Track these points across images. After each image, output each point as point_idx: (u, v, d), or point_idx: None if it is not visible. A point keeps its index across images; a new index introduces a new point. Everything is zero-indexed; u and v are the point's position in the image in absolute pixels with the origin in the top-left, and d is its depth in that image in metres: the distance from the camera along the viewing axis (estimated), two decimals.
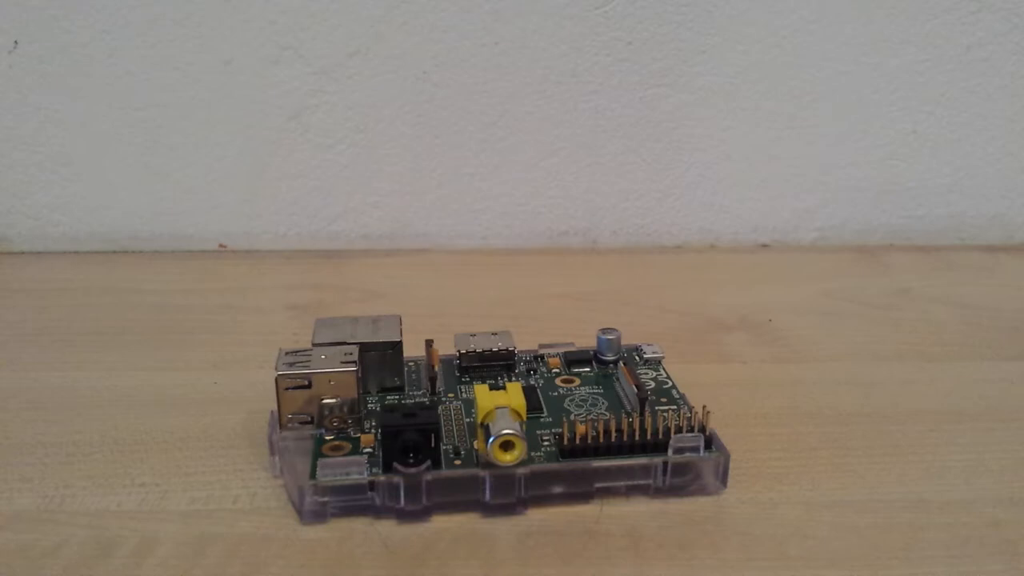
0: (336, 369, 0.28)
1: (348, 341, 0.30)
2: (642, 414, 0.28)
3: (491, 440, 0.26)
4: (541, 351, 0.34)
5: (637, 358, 0.33)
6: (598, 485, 0.27)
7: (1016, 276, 0.49)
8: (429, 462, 0.26)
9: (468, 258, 0.50)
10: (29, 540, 0.25)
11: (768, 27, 0.48)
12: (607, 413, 0.30)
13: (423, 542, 0.26)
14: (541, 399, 0.30)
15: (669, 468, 0.27)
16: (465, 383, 0.32)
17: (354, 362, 0.28)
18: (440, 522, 0.26)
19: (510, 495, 0.27)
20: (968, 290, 0.46)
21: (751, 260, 0.51)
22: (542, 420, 0.29)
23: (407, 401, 0.31)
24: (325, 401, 0.28)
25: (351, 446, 0.28)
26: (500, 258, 0.50)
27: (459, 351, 0.32)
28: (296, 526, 0.26)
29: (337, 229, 0.51)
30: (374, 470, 0.26)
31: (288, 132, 0.49)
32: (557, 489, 0.27)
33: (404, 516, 0.26)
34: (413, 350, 0.32)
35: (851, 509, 0.27)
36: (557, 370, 0.33)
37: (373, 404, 0.30)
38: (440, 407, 0.30)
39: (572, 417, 0.29)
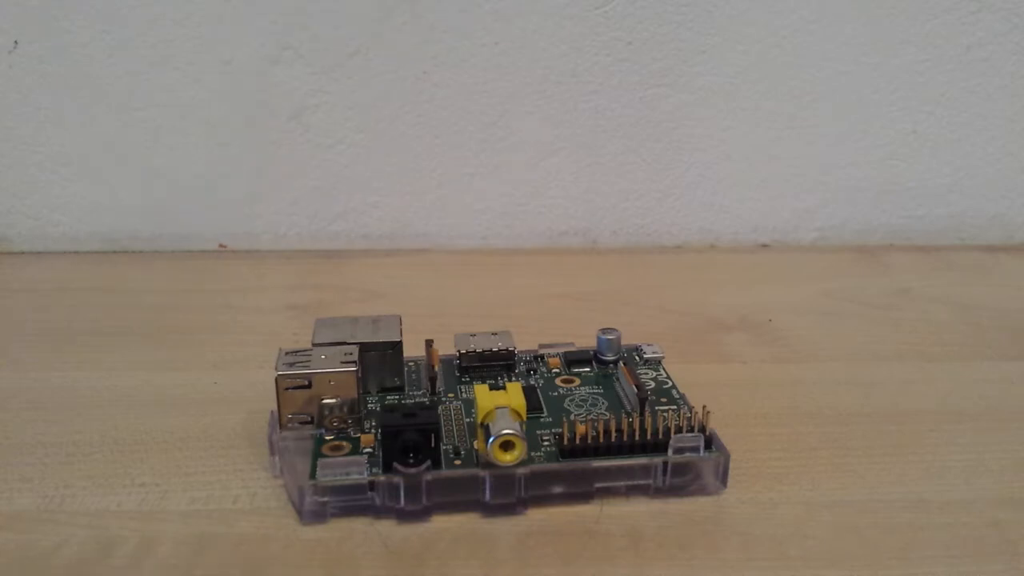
0: (336, 369, 0.28)
1: (348, 341, 0.30)
2: (642, 414, 0.28)
3: (491, 440, 0.26)
4: (541, 351, 0.34)
5: (637, 358, 0.33)
6: (598, 485, 0.27)
7: (1016, 276, 0.49)
8: (429, 462, 0.26)
9: (468, 258, 0.50)
10: (29, 540, 0.25)
11: (768, 27, 0.48)
12: (607, 413, 0.30)
13: (423, 542, 0.26)
14: (541, 399, 0.30)
15: (669, 468, 0.27)
16: (465, 383, 0.32)
17: (354, 362, 0.28)
18: (440, 522, 0.26)
19: (510, 495, 0.27)
20: (968, 290, 0.46)
21: (751, 260, 0.51)
22: (542, 420, 0.29)
23: (407, 401, 0.31)
24: (325, 401, 0.28)
25: (351, 446, 0.28)
26: (500, 258, 0.50)
27: (459, 351, 0.32)
28: (296, 526, 0.26)
29: (337, 229, 0.51)
30: (374, 470, 0.26)
31: (288, 132, 0.49)
32: (557, 489, 0.27)
33: (404, 516, 0.26)
34: (413, 350, 0.32)
35: (851, 509, 0.27)
36: (557, 370, 0.33)
37: (373, 404, 0.30)
38: (440, 407, 0.30)
39: (572, 417, 0.29)
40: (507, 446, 0.26)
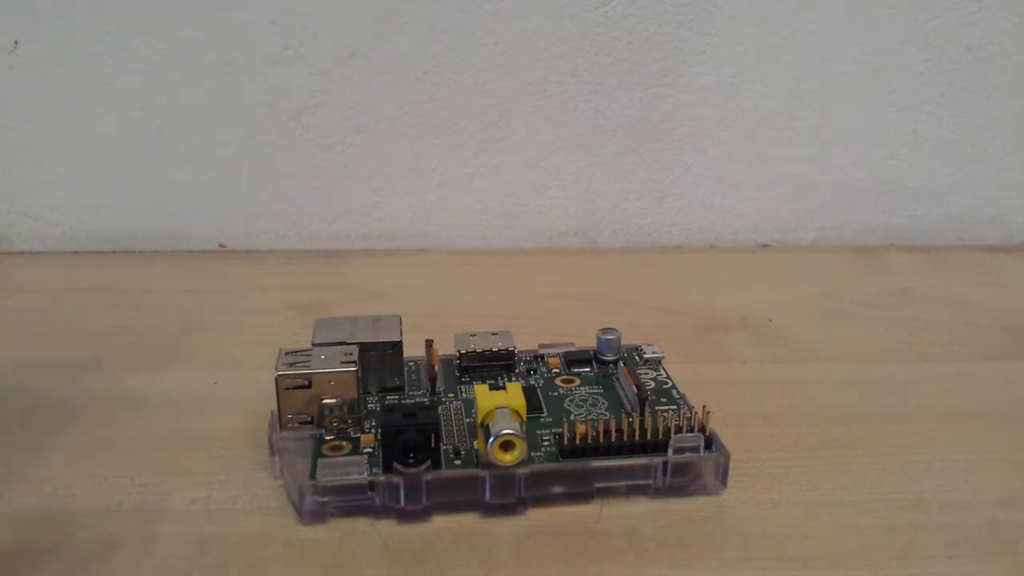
0: (336, 369, 0.28)
1: (348, 341, 0.30)
2: (642, 414, 0.28)
3: (491, 440, 0.26)
4: (541, 351, 0.34)
5: (637, 358, 0.33)
6: (598, 485, 0.27)
7: (1016, 276, 0.49)
8: (429, 462, 0.26)
9: (468, 258, 0.50)
10: (29, 540, 0.25)
11: (768, 27, 0.48)
12: (607, 413, 0.30)
13: (423, 542, 0.26)
14: (541, 399, 0.30)
15: (669, 468, 0.27)
16: (465, 383, 0.32)
17: (354, 362, 0.28)
18: (440, 522, 0.26)
19: (510, 495, 0.27)
20: (968, 290, 0.46)
21: (751, 260, 0.51)
22: (542, 420, 0.29)
23: (407, 401, 0.31)
24: (325, 401, 0.28)
25: (351, 446, 0.28)
26: (500, 258, 0.50)
27: (459, 351, 0.32)
28: (296, 526, 0.26)
29: (337, 229, 0.51)
30: (374, 470, 0.26)
31: (288, 132, 0.49)
32: (557, 489, 0.27)
33: (404, 516, 0.26)
34: (413, 350, 0.32)
35: (851, 509, 0.27)
36: (557, 370, 0.33)
37: (373, 404, 0.30)
38: (440, 407, 0.30)
39: (572, 417, 0.29)
40: (507, 446, 0.26)
